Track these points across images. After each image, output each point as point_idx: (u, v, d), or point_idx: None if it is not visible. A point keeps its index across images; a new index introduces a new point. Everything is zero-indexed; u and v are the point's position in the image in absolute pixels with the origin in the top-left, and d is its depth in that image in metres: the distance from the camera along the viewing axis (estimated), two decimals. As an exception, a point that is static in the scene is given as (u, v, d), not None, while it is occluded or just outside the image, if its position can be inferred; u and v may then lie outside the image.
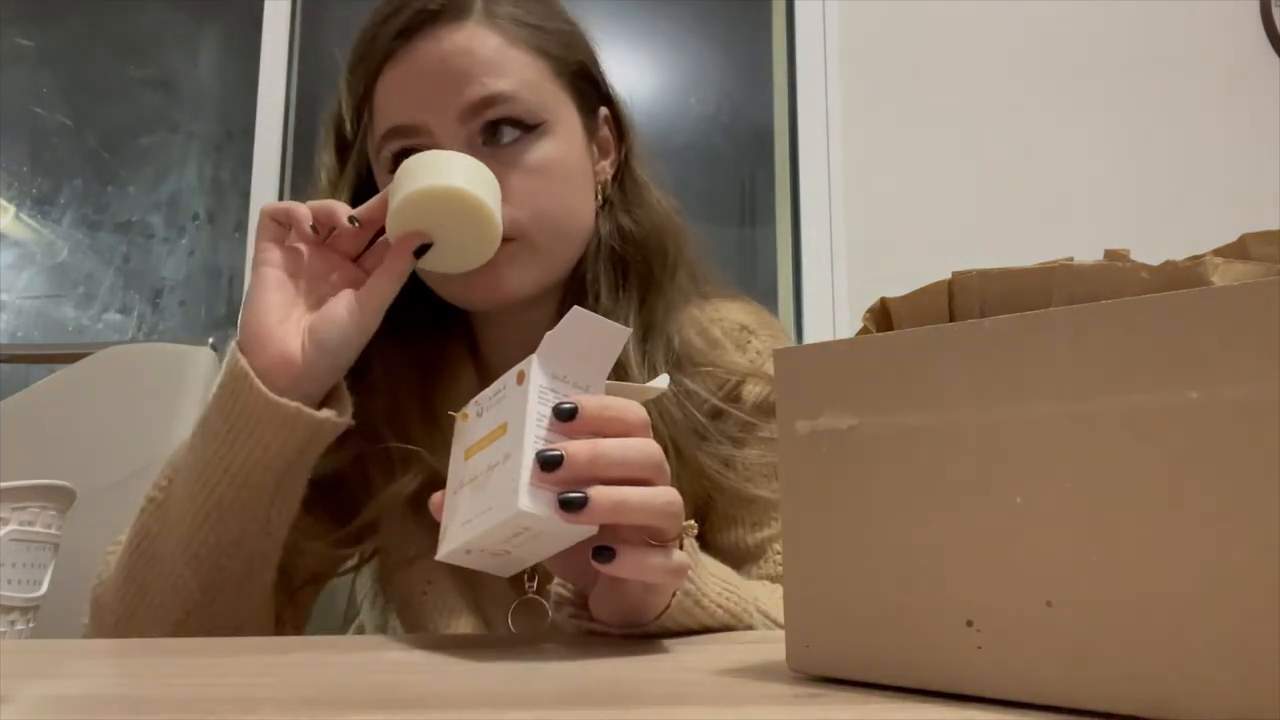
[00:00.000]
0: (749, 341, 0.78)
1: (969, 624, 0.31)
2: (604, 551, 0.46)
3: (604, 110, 0.76)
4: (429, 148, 0.67)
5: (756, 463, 0.72)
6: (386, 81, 0.68)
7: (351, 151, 0.72)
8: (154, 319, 2.14)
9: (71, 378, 1.13)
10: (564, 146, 0.70)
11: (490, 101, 0.67)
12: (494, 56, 0.67)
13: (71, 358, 1.18)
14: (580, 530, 0.46)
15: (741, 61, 2.15)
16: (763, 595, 0.60)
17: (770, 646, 0.45)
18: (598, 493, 0.45)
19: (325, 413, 0.61)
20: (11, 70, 2.19)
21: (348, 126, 0.72)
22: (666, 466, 0.48)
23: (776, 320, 0.83)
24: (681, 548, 0.51)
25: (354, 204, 0.71)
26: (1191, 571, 0.26)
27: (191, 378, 1.08)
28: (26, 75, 2.20)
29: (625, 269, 0.74)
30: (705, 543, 0.74)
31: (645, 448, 0.47)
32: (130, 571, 0.64)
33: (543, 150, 0.69)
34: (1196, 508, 0.26)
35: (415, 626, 0.73)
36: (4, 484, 0.66)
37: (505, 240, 0.66)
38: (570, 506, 0.44)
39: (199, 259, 2.16)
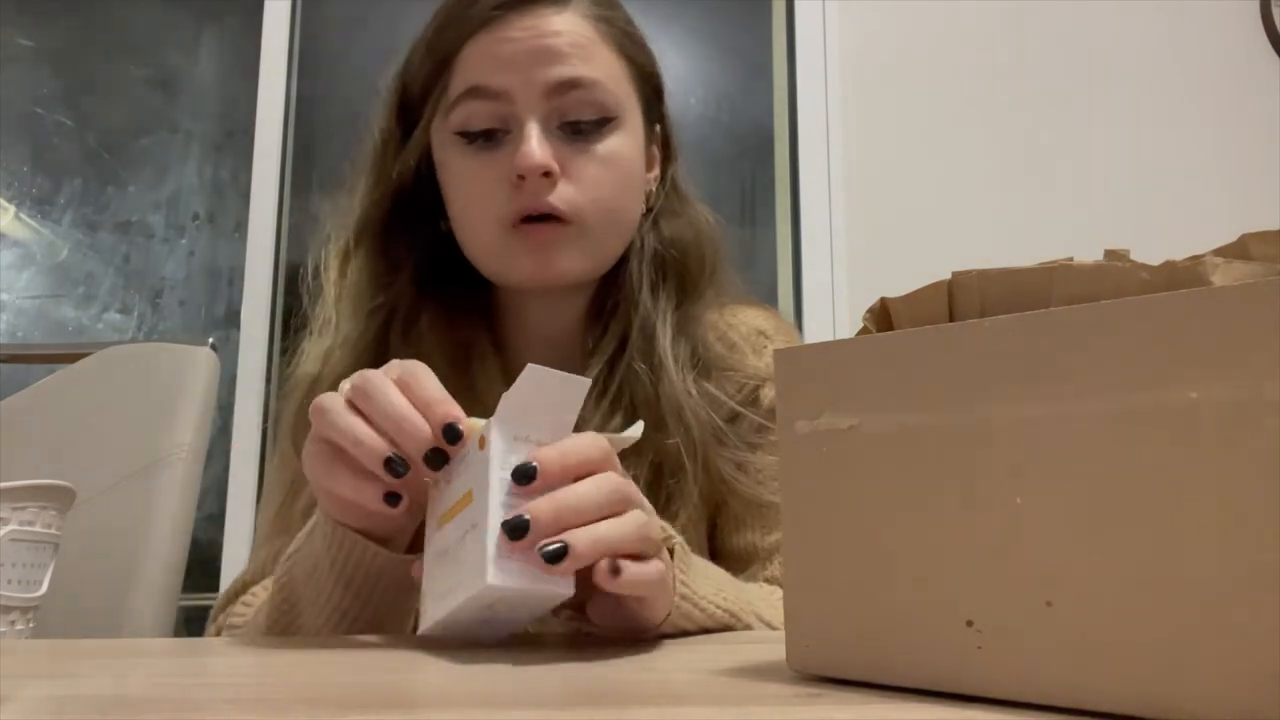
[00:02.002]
0: (766, 346, 0.79)
1: (969, 624, 0.31)
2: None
3: (658, 127, 0.80)
4: (505, 117, 0.69)
5: (769, 468, 0.73)
6: (477, 45, 0.70)
7: (419, 116, 0.73)
8: (154, 319, 2.14)
9: (71, 378, 1.13)
10: (630, 144, 0.73)
11: (578, 83, 0.69)
12: (586, 45, 0.71)
13: (71, 358, 1.17)
14: (557, 594, 0.45)
15: (741, 62, 2.15)
16: (757, 599, 0.60)
17: (770, 646, 0.45)
18: (575, 538, 0.44)
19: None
20: (11, 70, 2.19)
21: (415, 90, 0.73)
22: (629, 491, 0.48)
23: (793, 326, 0.86)
24: (672, 555, 0.52)
25: (411, 180, 0.73)
26: (1191, 572, 0.26)
27: (191, 378, 1.08)
28: (26, 75, 2.20)
29: (665, 272, 0.76)
30: (716, 545, 0.74)
31: (604, 484, 0.46)
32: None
33: (613, 143, 0.71)
34: (1196, 508, 0.26)
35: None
36: (4, 484, 0.66)
37: (562, 222, 0.69)
38: (554, 559, 0.44)
39: (199, 259, 2.16)
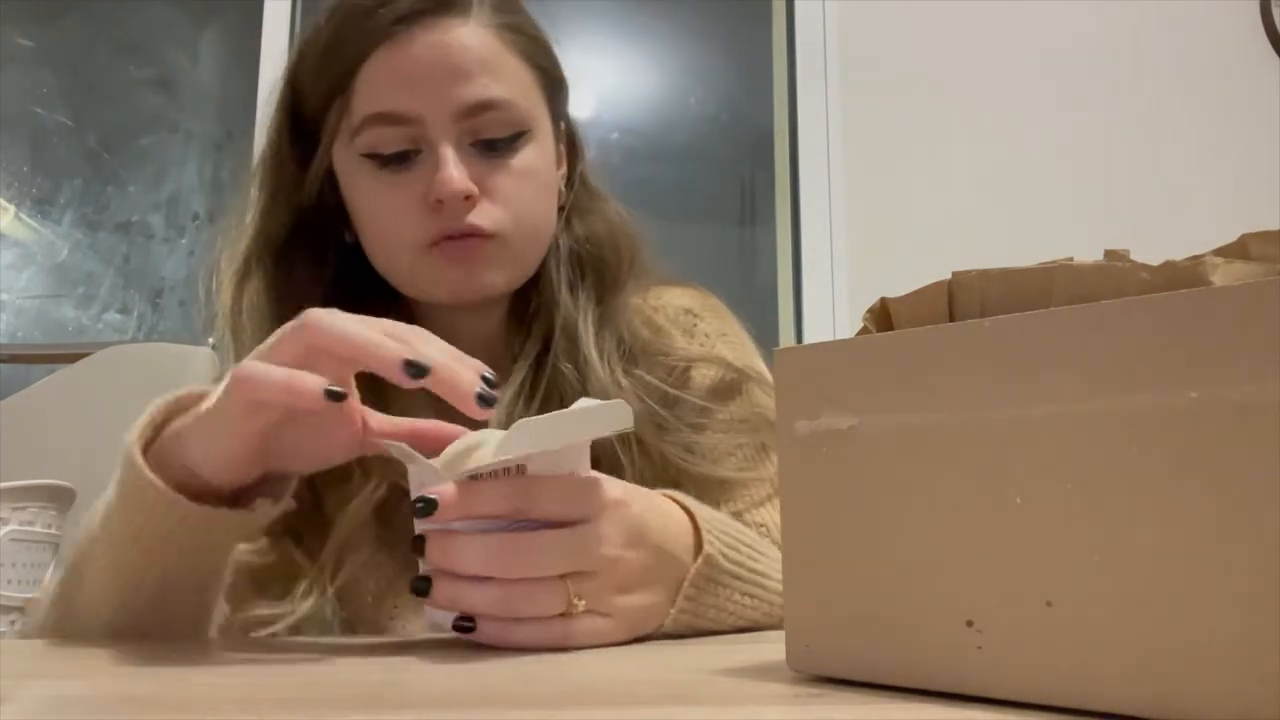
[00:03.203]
0: (695, 325, 0.79)
1: (969, 624, 0.31)
2: (463, 623, 0.46)
3: (563, 124, 0.78)
4: (416, 139, 0.67)
5: (719, 446, 0.73)
6: (378, 63, 0.67)
7: (318, 130, 0.70)
8: (154, 319, 2.14)
9: (71, 378, 1.13)
10: (543, 153, 0.72)
11: (489, 105, 0.67)
12: (494, 59, 0.68)
13: (71, 358, 1.18)
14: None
15: (741, 61, 2.15)
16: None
17: (770, 646, 0.45)
18: (436, 588, 0.46)
19: (260, 504, 0.52)
20: (11, 70, 2.19)
21: (312, 104, 0.70)
22: (522, 557, 0.46)
23: (719, 301, 0.84)
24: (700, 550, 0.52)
25: (315, 195, 0.71)
26: (1192, 572, 0.26)
27: (191, 378, 1.08)
28: (26, 75, 2.20)
29: (583, 270, 0.76)
30: None
31: (501, 546, 0.46)
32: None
33: (528, 156, 0.70)
34: (1196, 508, 0.26)
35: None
36: (4, 484, 0.66)
37: (486, 238, 0.68)
38: (417, 590, 0.46)
39: (199, 259, 2.16)
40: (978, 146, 1.95)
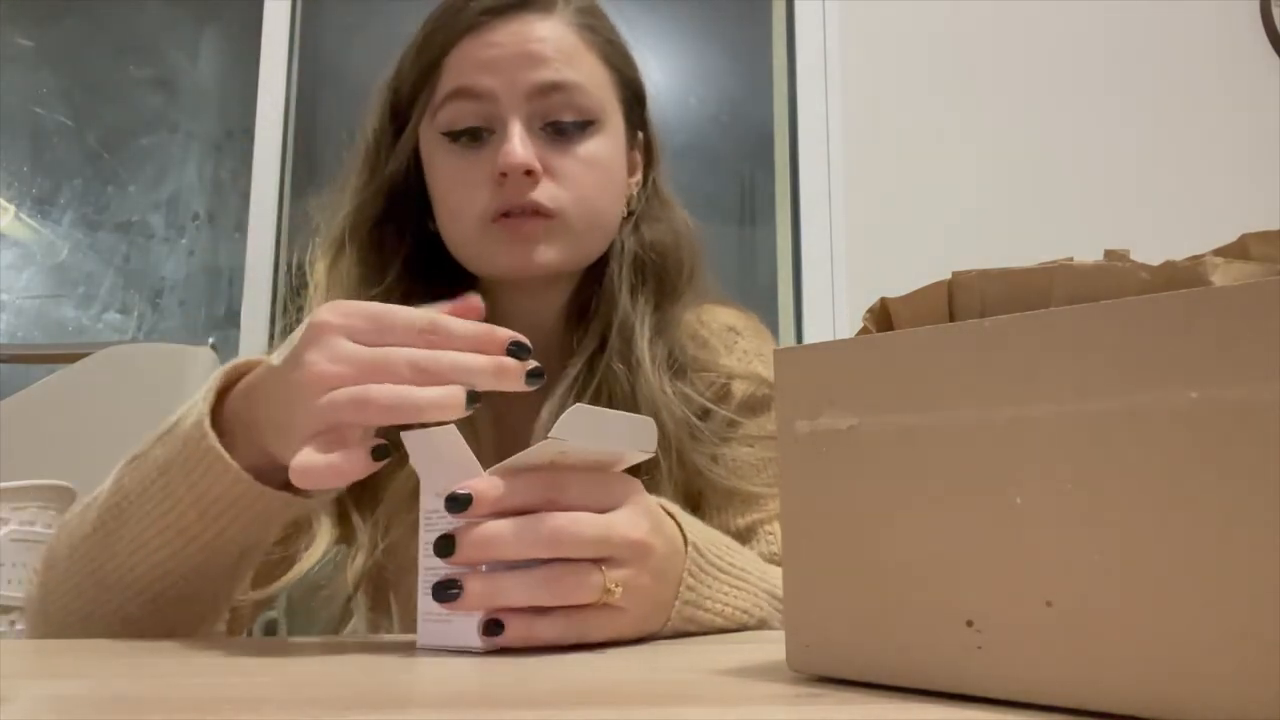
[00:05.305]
0: (736, 342, 0.82)
1: (969, 624, 0.31)
2: (492, 626, 0.45)
3: (640, 134, 0.82)
4: (490, 117, 0.71)
5: (744, 459, 0.76)
6: (464, 49, 0.72)
7: (408, 120, 0.75)
8: (154, 319, 2.14)
9: (71, 378, 1.14)
10: (611, 147, 0.75)
11: (561, 87, 0.72)
12: (570, 50, 0.73)
13: (71, 358, 1.18)
14: (474, 648, 0.46)
15: (741, 61, 2.15)
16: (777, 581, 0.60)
17: (770, 646, 0.45)
18: (469, 583, 0.45)
19: (317, 492, 0.55)
20: (11, 70, 2.19)
21: (405, 92, 0.75)
22: (571, 535, 0.45)
23: (762, 324, 0.88)
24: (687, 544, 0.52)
25: (401, 179, 0.75)
26: (1191, 571, 0.26)
27: (191, 378, 1.09)
28: (26, 75, 2.20)
29: (644, 275, 0.79)
30: None
31: (536, 526, 0.45)
32: (79, 593, 0.58)
33: (594, 145, 0.74)
34: (1196, 508, 0.26)
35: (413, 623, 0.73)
36: (4, 484, 0.66)
37: (545, 216, 0.71)
38: (444, 598, 0.45)
39: (199, 259, 2.16)
40: (978, 146, 1.95)
